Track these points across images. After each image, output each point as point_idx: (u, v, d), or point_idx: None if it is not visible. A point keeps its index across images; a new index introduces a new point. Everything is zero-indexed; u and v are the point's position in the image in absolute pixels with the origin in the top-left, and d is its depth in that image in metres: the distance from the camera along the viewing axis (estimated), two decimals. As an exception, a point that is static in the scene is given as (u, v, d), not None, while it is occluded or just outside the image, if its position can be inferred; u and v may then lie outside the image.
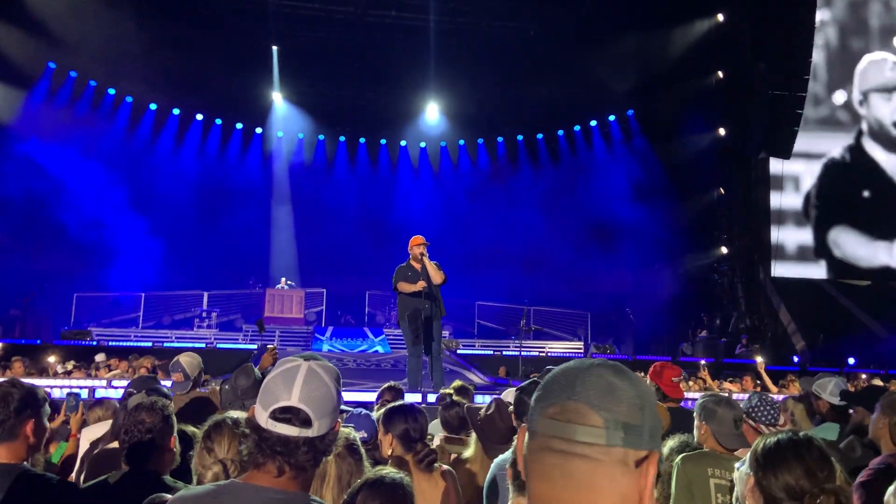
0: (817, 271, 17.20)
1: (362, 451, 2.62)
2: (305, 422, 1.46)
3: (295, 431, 1.46)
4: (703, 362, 12.30)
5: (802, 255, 17.23)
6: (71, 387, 6.58)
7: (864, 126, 16.95)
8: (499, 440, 2.97)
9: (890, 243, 16.96)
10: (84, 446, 3.67)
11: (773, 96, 16.54)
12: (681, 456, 3.03)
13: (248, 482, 1.49)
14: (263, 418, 1.47)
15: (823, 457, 1.98)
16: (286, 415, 1.46)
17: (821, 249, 17.13)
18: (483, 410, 3.16)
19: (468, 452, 3.28)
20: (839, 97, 16.95)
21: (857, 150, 16.96)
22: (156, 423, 2.62)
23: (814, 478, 1.92)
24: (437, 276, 8.18)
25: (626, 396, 0.98)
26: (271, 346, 5.69)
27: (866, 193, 16.94)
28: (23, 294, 15.62)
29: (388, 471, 2.21)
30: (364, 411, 3.47)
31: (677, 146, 19.03)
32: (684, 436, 3.27)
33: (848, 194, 17.00)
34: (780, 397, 8.41)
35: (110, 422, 3.77)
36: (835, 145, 17.02)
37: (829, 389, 4.35)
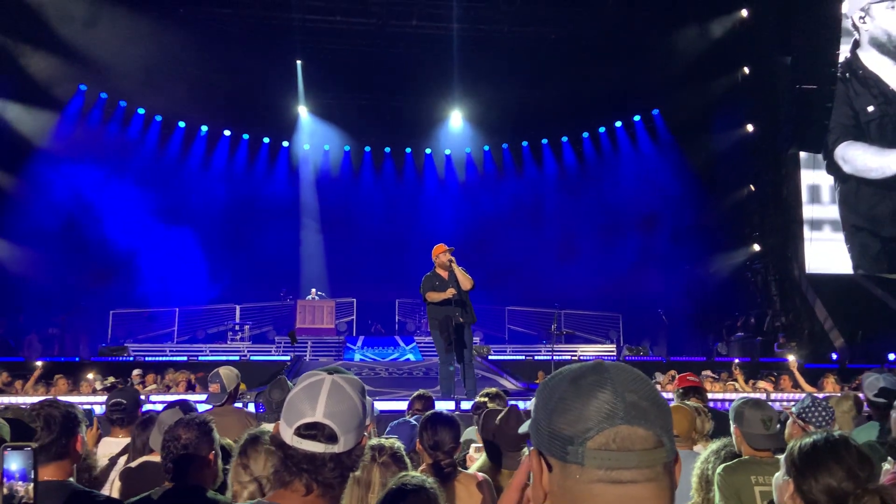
0: (845, 262, 16.85)
1: (407, 460, 2.62)
2: (331, 437, 1.44)
3: (321, 448, 1.43)
4: (736, 362, 12.12)
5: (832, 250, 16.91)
6: (101, 404, 6.71)
7: (866, 40, 16.57)
8: (511, 447, 2.94)
9: None
10: (102, 462, 3.72)
11: (801, 90, 16.25)
12: (721, 466, 2.96)
13: (275, 502, 1.46)
14: (288, 435, 1.45)
15: (863, 456, 1.93)
16: (311, 431, 1.43)
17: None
18: (499, 417, 3.14)
19: (475, 466, 3.24)
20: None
21: (855, 65, 16.58)
22: (191, 439, 2.63)
23: (856, 478, 1.87)
24: (466, 282, 8.16)
25: (658, 398, 0.93)
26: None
27: (871, 108, 16.56)
28: (60, 313, 15.94)
29: (413, 475, 2.20)
30: (410, 420, 3.49)
31: (705, 144, 18.82)
32: (727, 439, 3.22)
33: (853, 111, 16.62)
34: (822, 396, 8.25)
35: (128, 439, 3.83)
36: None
37: (867, 384, 4.24)
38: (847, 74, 16.51)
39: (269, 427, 2.48)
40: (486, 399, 4.87)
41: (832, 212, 17.09)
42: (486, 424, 3.23)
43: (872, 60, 16.61)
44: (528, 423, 1.03)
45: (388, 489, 2.17)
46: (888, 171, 16.55)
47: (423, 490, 2.05)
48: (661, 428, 0.90)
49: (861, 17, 16.51)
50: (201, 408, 4.40)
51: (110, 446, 3.91)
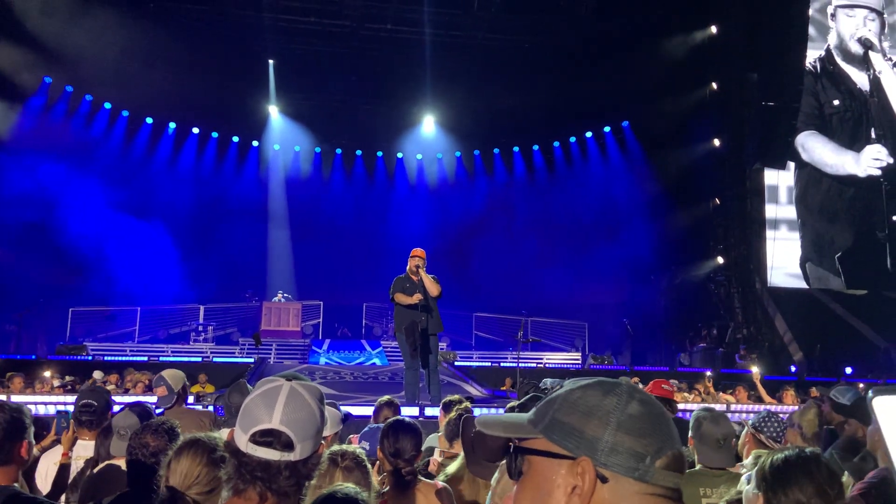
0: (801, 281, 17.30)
1: (368, 465, 2.59)
2: (287, 445, 1.40)
3: (276, 455, 1.40)
4: (708, 373, 12.30)
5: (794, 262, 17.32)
6: (65, 404, 6.54)
7: (834, 40, 17.10)
8: (490, 457, 2.92)
9: (857, 154, 16.98)
10: (77, 465, 3.64)
11: (766, 107, 16.59)
12: None
13: None
14: (243, 442, 1.41)
15: (832, 474, 1.94)
16: (267, 438, 1.40)
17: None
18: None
19: (452, 468, 3.21)
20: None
21: (827, 60, 17.06)
22: (160, 447, 2.58)
23: (825, 495, 1.88)
24: (433, 289, 8.16)
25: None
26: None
27: (836, 102, 17.03)
28: (18, 309, 15.55)
29: (345, 486, 2.13)
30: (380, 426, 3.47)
31: (673, 157, 19.08)
32: (687, 449, 3.24)
33: (818, 103, 17.07)
34: (780, 408, 8.39)
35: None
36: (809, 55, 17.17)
37: (847, 396, 4.29)
38: (818, 68, 16.96)
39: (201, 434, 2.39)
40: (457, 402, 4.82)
41: (790, 212, 17.53)
42: (465, 431, 3.20)
43: (840, 59, 17.17)
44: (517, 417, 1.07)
45: (316, 497, 2.09)
46: (842, 171, 17.07)
47: (354, 502, 1.98)
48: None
49: (831, 16, 17.05)
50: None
51: (78, 449, 3.81)
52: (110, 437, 3.34)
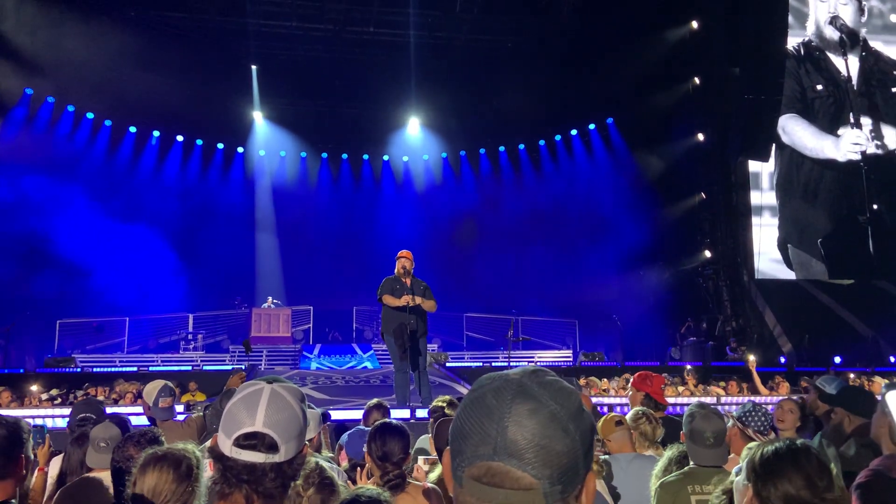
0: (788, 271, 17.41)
1: (337, 483, 2.58)
2: (271, 447, 1.40)
3: (261, 458, 1.40)
4: (688, 367, 12.34)
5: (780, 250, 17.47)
6: (52, 417, 6.50)
7: (812, 27, 17.38)
8: None
9: (836, 139, 17.22)
10: (52, 479, 3.61)
11: (749, 100, 16.71)
12: (660, 482, 3.01)
13: None
14: (227, 446, 1.41)
15: (822, 465, 1.94)
16: (251, 441, 1.40)
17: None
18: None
19: (434, 475, 3.21)
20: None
21: (809, 45, 17.36)
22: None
23: (814, 487, 1.88)
24: (432, 307, 8.24)
25: (558, 440, 0.88)
26: (238, 367, 5.67)
27: (819, 87, 17.26)
28: (4, 322, 15.41)
29: (367, 489, 2.17)
30: (362, 429, 3.46)
31: (658, 152, 19.19)
32: (682, 445, 3.25)
33: (801, 87, 17.29)
34: (771, 399, 8.44)
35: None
36: (791, 41, 17.39)
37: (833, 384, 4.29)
38: (801, 52, 17.12)
39: (180, 445, 2.39)
40: (444, 405, 4.83)
41: (773, 198, 17.69)
42: (440, 433, 3.21)
43: (820, 43, 17.36)
44: None
45: (342, 499, 2.12)
46: (821, 154, 17.32)
47: (378, 503, 2.01)
48: (544, 472, 0.86)
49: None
50: (136, 421, 4.30)
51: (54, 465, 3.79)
52: (84, 446, 3.32)
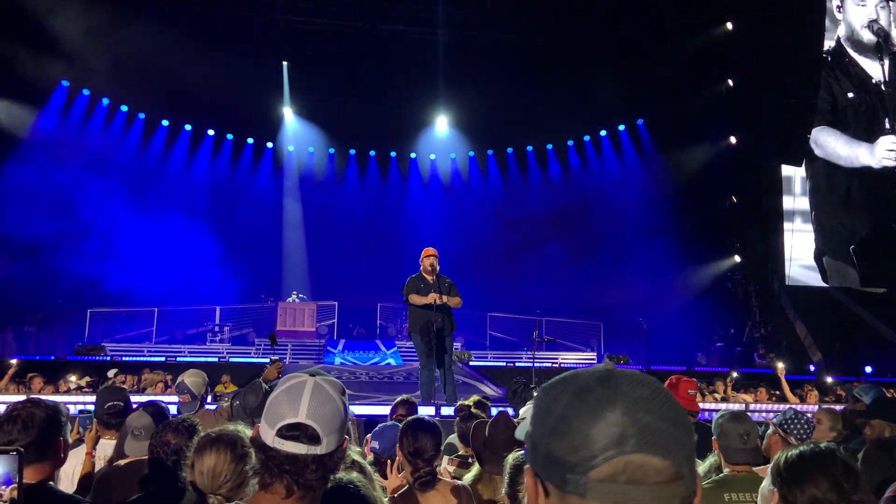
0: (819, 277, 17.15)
1: (369, 470, 2.59)
2: (314, 439, 1.42)
3: (303, 449, 1.41)
4: (734, 374, 12.18)
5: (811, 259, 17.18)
6: (84, 403, 6.61)
7: (843, 31, 16.97)
8: (500, 450, 2.90)
9: (871, 145, 16.84)
10: (99, 463, 3.67)
11: (783, 103, 16.45)
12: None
13: None
14: (270, 437, 1.43)
15: (849, 468, 1.93)
16: (293, 432, 1.41)
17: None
18: (488, 427, 3.10)
19: (469, 476, 3.19)
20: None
21: (839, 52, 16.95)
22: (181, 444, 2.61)
23: (841, 490, 1.87)
24: (458, 303, 8.27)
25: (685, 421, 0.78)
26: (276, 358, 5.71)
27: (850, 94, 16.89)
28: (37, 310, 15.72)
29: (351, 476, 2.12)
30: (395, 423, 3.46)
31: (688, 155, 18.97)
32: (713, 459, 3.20)
33: (831, 97, 16.95)
34: (802, 407, 8.31)
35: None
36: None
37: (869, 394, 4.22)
38: (830, 59, 16.81)
39: (231, 427, 2.39)
40: (471, 405, 4.81)
41: (805, 203, 17.41)
42: (476, 434, 3.20)
43: (851, 50, 17.04)
44: (522, 427, 0.92)
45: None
46: (856, 162, 16.93)
47: (357, 488, 1.98)
48: (682, 457, 0.77)
49: (838, 7, 16.88)
50: (173, 410, 4.34)
51: (105, 448, 3.85)
52: (124, 436, 3.36)
